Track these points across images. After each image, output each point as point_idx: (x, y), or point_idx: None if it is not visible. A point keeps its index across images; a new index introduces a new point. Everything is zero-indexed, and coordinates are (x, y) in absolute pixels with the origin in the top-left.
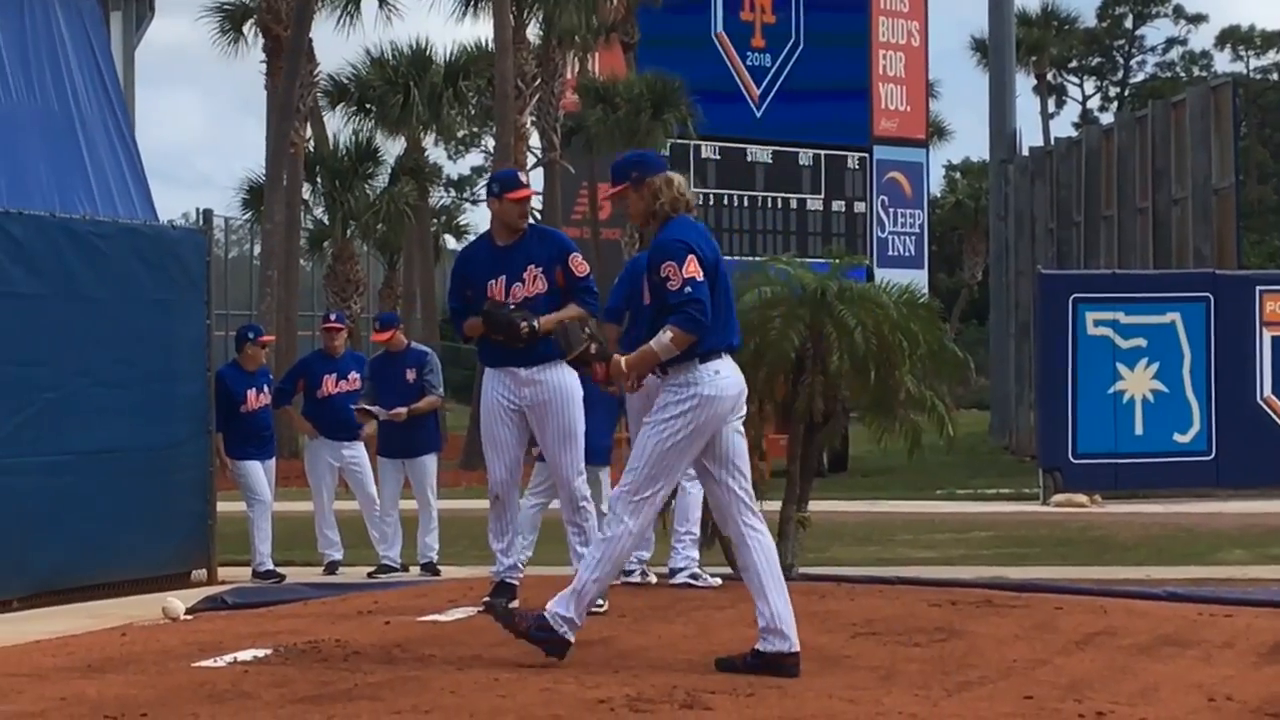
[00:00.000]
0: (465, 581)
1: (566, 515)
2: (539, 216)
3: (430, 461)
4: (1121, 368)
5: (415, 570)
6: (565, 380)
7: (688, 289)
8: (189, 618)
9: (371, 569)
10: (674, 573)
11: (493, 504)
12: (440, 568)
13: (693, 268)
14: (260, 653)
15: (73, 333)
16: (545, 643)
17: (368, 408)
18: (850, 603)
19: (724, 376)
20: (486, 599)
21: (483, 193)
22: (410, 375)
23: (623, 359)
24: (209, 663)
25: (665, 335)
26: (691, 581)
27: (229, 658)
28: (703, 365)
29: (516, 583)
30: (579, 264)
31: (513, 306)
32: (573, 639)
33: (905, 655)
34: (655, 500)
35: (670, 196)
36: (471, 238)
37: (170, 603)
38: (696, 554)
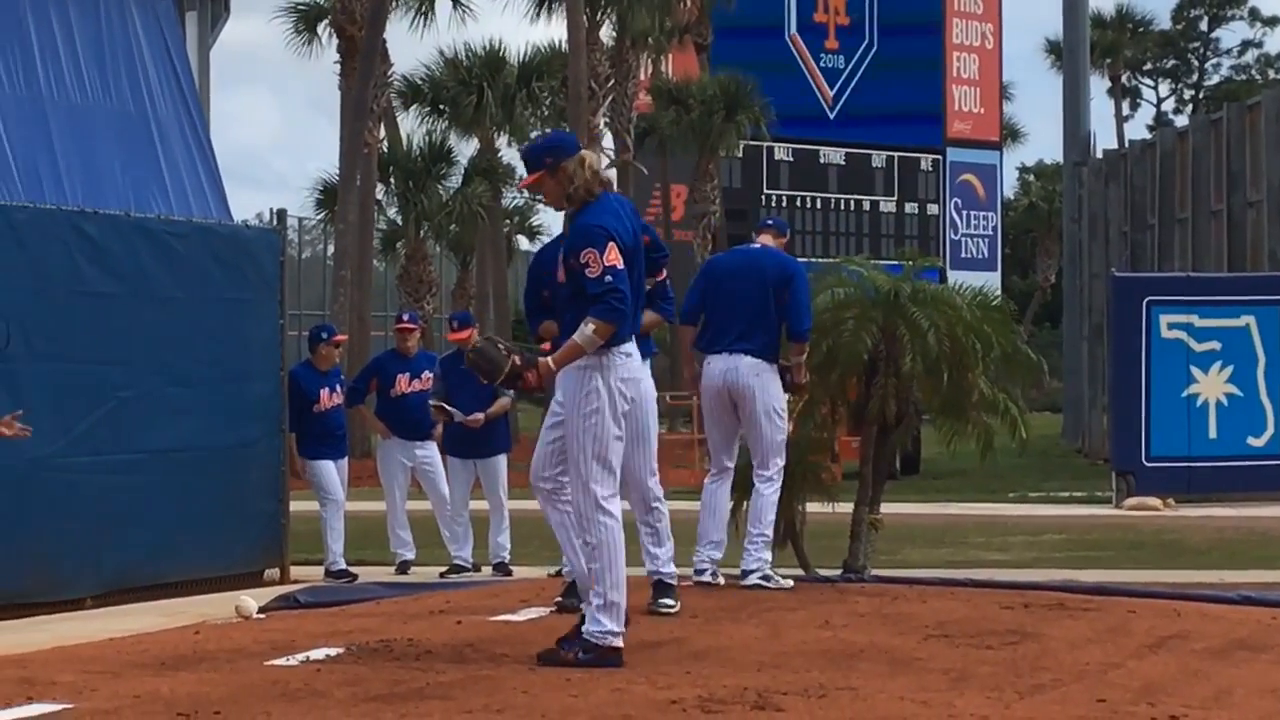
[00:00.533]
0: (537, 581)
1: (639, 515)
2: None
3: (501, 462)
4: (1195, 371)
5: (487, 570)
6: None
7: (608, 278)
8: (262, 616)
9: (443, 569)
10: (746, 574)
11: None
12: (512, 568)
13: (613, 255)
14: (333, 651)
15: (147, 332)
16: (598, 662)
17: (446, 407)
18: (922, 605)
19: (634, 358)
20: (559, 599)
21: None
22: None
23: (550, 360)
24: (282, 661)
25: (588, 327)
26: (763, 583)
27: (301, 656)
28: (613, 350)
29: None
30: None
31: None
32: (621, 643)
33: (977, 658)
34: (614, 486)
35: (584, 178)
36: (544, 239)
37: (243, 601)
38: (769, 555)
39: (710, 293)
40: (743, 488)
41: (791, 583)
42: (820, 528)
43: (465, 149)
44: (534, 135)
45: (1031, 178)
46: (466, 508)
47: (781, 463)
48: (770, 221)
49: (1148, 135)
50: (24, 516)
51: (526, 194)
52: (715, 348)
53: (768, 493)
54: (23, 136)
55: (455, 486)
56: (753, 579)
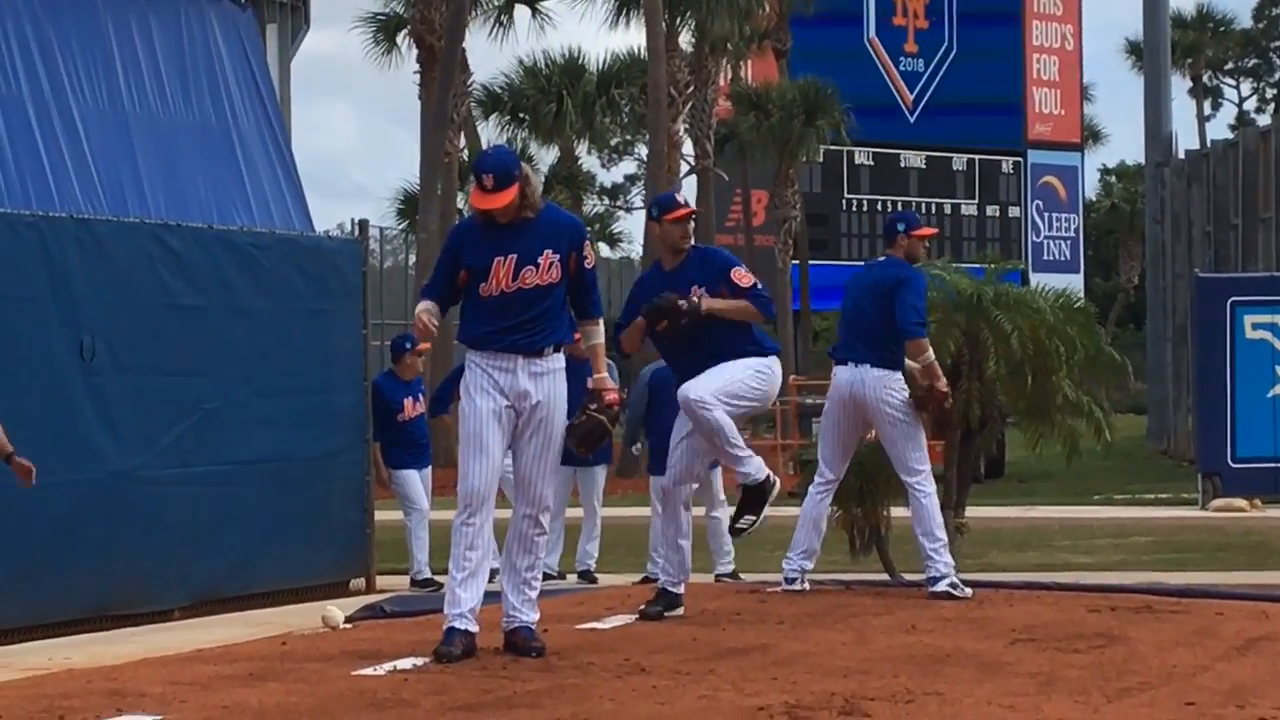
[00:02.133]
0: (623, 589)
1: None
2: (694, 223)
3: (601, 472)
4: None
5: (572, 578)
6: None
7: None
8: (348, 626)
9: None
10: (933, 581)
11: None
12: (597, 575)
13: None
14: (420, 661)
15: (232, 344)
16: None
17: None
18: (1009, 609)
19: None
20: (644, 607)
21: (636, 200)
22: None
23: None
24: (369, 671)
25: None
26: (951, 590)
27: (388, 666)
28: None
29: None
30: (742, 276)
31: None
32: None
33: (1065, 661)
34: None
35: (537, 183)
36: (625, 245)
37: (330, 611)
38: (951, 560)
39: (843, 306)
40: (840, 498)
41: (971, 592)
42: (905, 532)
43: (546, 157)
44: (489, 148)
45: (1113, 179)
46: (562, 515)
47: (926, 466)
48: (884, 231)
49: (1230, 135)
50: (112, 529)
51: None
52: (840, 358)
53: (925, 499)
54: (106, 150)
55: (557, 493)
56: (942, 585)
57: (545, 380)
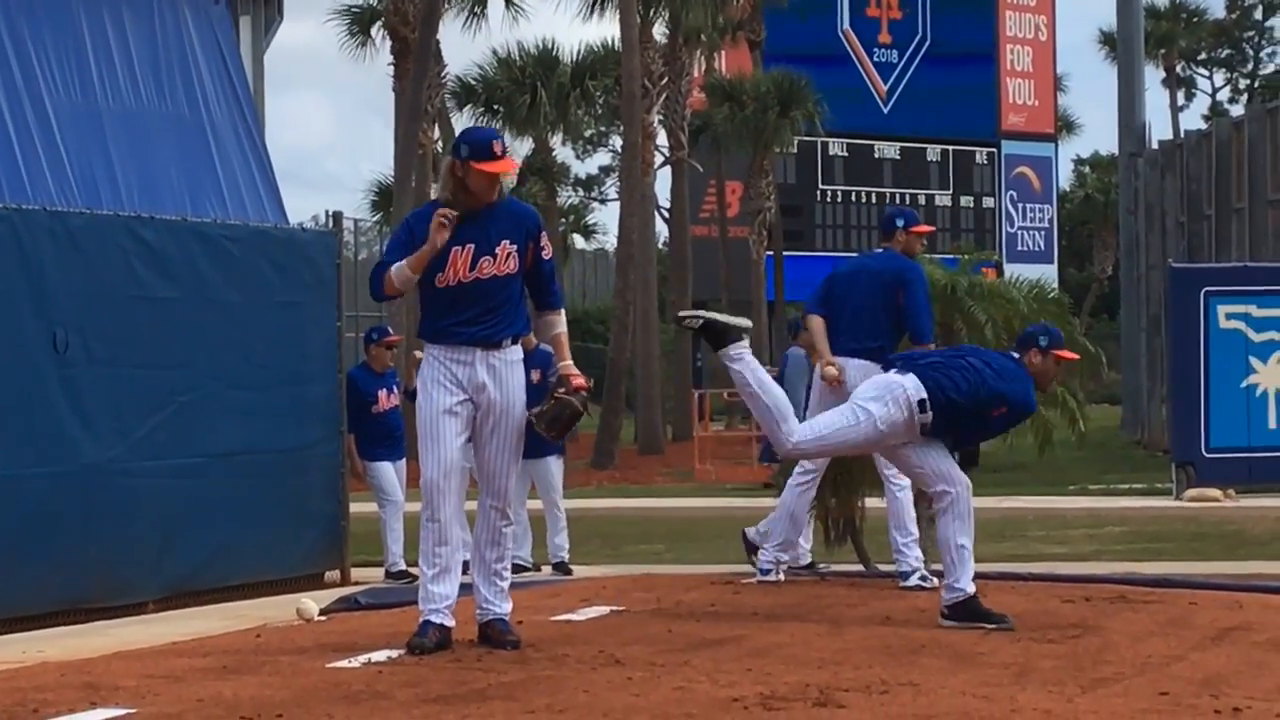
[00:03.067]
0: (598, 580)
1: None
2: (666, 215)
3: (554, 463)
4: (1254, 361)
5: (547, 570)
6: None
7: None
8: (323, 618)
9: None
10: (904, 575)
11: None
12: (572, 567)
13: None
14: (394, 653)
15: (205, 336)
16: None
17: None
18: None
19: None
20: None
21: (611, 192)
22: (535, 376)
23: (571, 366)
24: (343, 663)
25: (560, 316)
26: (922, 584)
27: (363, 658)
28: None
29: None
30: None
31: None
32: None
33: (1039, 652)
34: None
35: None
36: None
37: (304, 604)
38: (921, 554)
39: (829, 297)
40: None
41: (936, 582)
42: (880, 523)
43: (520, 149)
44: (477, 127)
45: (1087, 169)
46: (524, 507)
47: None
48: (881, 225)
49: (1203, 126)
50: (85, 521)
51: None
52: (831, 350)
53: (901, 494)
54: (78, 143)
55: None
56: (913, 580)
57: (503, 372)
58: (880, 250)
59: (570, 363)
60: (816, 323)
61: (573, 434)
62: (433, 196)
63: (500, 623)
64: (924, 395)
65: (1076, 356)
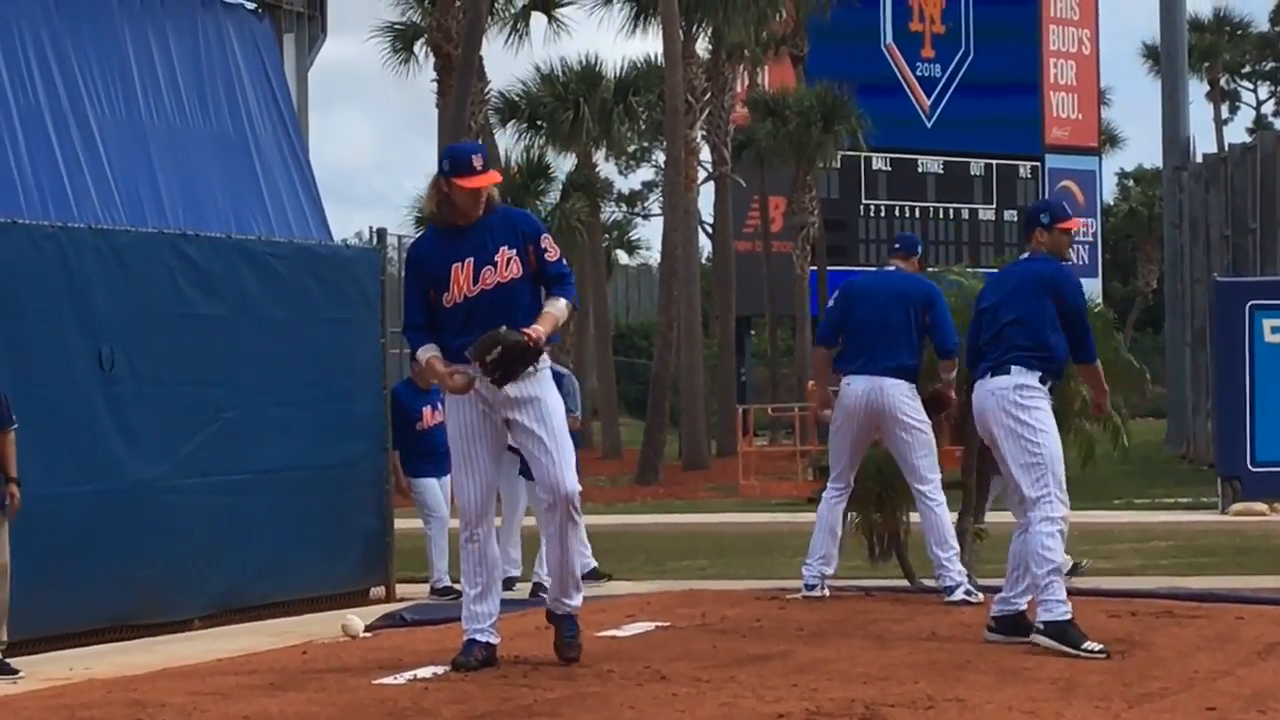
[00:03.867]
0: (643, 596)
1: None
2: (709, 230)
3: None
4: None
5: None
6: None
7: (564, 261)
8: (368, 635)
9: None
10: (949, 590)
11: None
12: (608, 582)
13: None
14: (440, 669)
15: (250, 353)
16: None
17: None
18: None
19: None
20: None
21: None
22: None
23: (539, 331)
24: (389, 680)
25: (561, 303)
26: (967, 598)
27: (409, 675)
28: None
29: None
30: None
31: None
32: None
33: (1085, 667)
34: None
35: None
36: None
37: (350, 620)
38: (963, 569)
39: (850, 315)
40: (858, 503)
41: (982, 597)
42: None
43: (563, 165)
44: (455, 143)
45: (1131, 183)
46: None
47: (938, 476)
48: (898, 245)
49: (1247, 139)
50: (131, 539)
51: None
52: (857, 368)
53: (938, 509)
54: (124, 161)
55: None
56: (958, 595)
57: (528, 382)
58: (892, 269)
59: (540, 329)
60: (821, 358)
61: (512, 372)
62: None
63: (569, 622)
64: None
65: (1077, 224)
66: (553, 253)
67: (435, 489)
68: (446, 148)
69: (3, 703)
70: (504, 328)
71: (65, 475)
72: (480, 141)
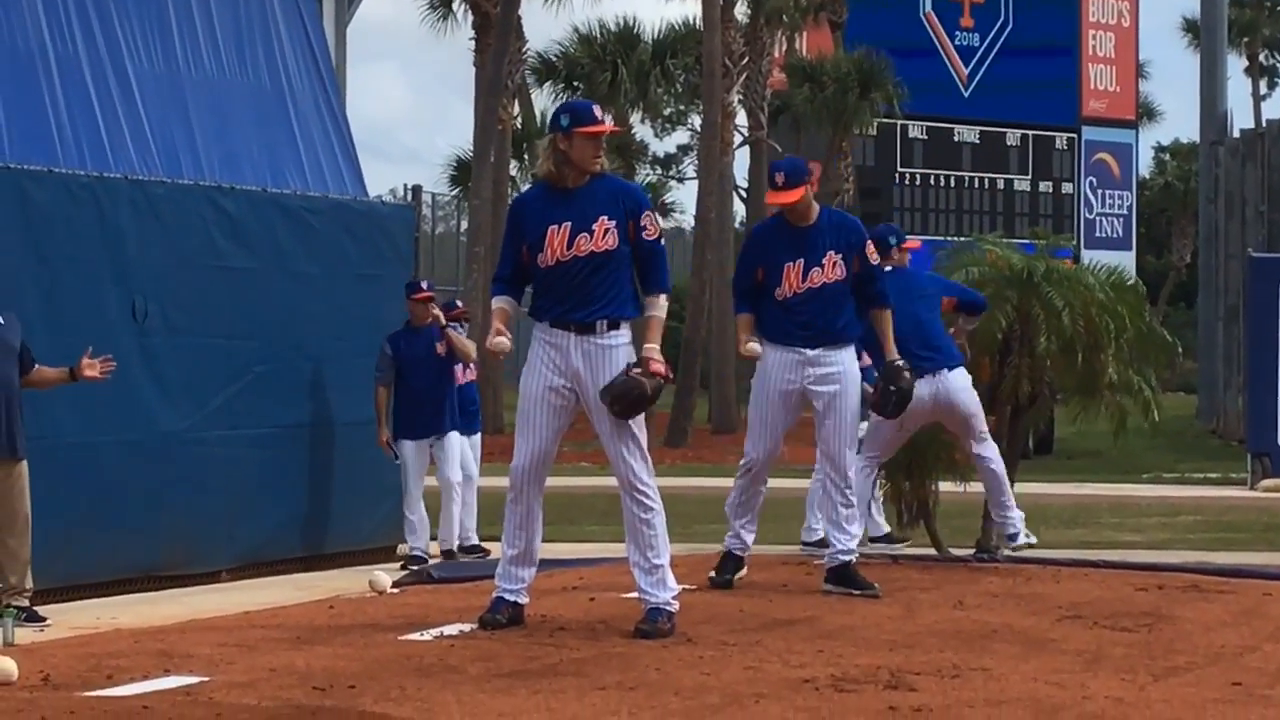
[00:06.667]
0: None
1: (830, 501)
2: (744, 195)
3: (457, 439)
4: None
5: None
6: (850, 371)
7: (663, 242)
8: (395, 591)
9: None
10: (1011, 539)
11: (742, 474)
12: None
13: None
14: (466, 627)
15: (283, 307)
16: (673, 624)
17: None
18: (1056, 586)
19: None
20: (711, 574)
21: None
22: (440, 349)
23: (655, 353)
24: (415, 636)
25: (662, 298)
26: (1029, 541)
27: (435, 632)
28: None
29: (743, 555)
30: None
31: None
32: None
33: (1111, 639)
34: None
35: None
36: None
37: (377, 576)
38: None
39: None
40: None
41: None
42: (953, 507)
43: None
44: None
45: (1167, 157)
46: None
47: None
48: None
49: None
50: (160, 490)
51: (670, 172)
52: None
53: (996, 467)
54: (161, 113)
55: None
56: (1021, 539)
57: (597, 357)
58: (890, 269)
59: (655, 347)
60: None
61: (649, 413)
62: (532, 175)
63: (653, 612)
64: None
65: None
66: (652, 230)
67: (466, 447)
68: (561, 105)
69: (30, 650)
70: (642, 375)
71: (96, 425)
72: (518, 102)
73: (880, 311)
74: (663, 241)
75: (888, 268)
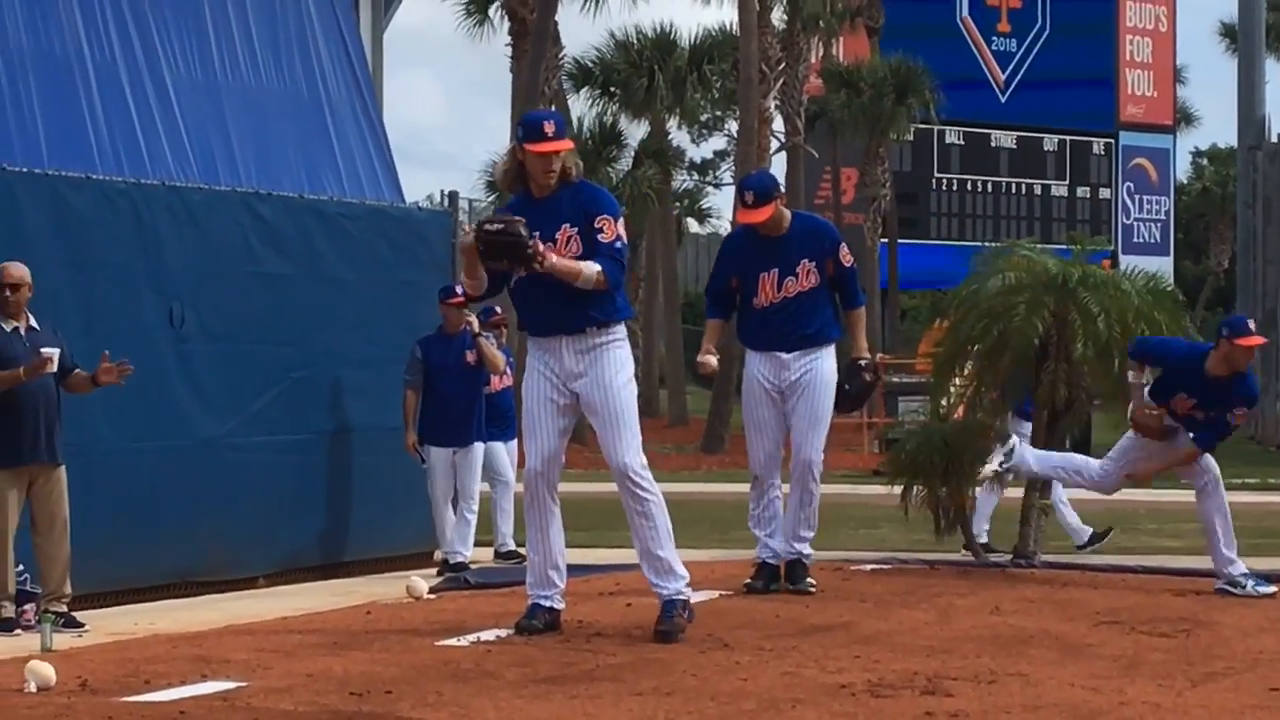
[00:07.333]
0: (706, 565)
1: (795, 493)
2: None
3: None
4: None
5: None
6: (825, 366)
7: (619, 244)
8: (432, 597)
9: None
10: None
11: (754, 487)
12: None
13: (621, 229)
14: (503, 633)
15: (320, 313)
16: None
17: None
18: (1093, 591)
19: None
20: (748, 581)
21: (726, 176)
22: (470, 357)
23: (552, 256)
24: (452, 642)
25: (594, 268)
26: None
27: (472, 637)
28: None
29: (778, 564)
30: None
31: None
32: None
33: (1149, 645)
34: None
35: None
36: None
37: (414, 582)
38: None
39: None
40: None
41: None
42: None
43: (635, 132)
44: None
45: (1205, 162)
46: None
47: None
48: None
49: None
50: (197, 496)
51: (693, 177)
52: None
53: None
54: (197, 119)
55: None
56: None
57: (594, 357)
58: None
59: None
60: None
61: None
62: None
63: (667, 607)
64: None
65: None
66: (607, 233)
67: (501, 452)
68: (523, 116)
69: (68, 655)
70: (526, 226)
71: (134, 431)
72: (554, 108)
73: (854, 311)
74: (620, 245)
75: None
